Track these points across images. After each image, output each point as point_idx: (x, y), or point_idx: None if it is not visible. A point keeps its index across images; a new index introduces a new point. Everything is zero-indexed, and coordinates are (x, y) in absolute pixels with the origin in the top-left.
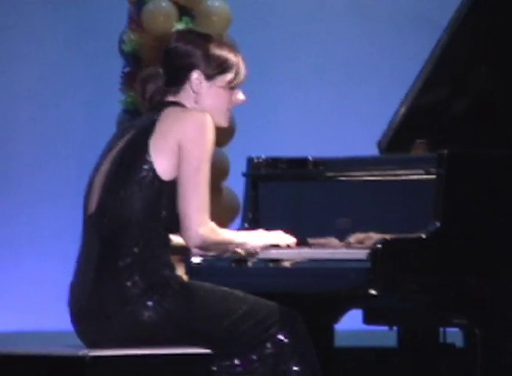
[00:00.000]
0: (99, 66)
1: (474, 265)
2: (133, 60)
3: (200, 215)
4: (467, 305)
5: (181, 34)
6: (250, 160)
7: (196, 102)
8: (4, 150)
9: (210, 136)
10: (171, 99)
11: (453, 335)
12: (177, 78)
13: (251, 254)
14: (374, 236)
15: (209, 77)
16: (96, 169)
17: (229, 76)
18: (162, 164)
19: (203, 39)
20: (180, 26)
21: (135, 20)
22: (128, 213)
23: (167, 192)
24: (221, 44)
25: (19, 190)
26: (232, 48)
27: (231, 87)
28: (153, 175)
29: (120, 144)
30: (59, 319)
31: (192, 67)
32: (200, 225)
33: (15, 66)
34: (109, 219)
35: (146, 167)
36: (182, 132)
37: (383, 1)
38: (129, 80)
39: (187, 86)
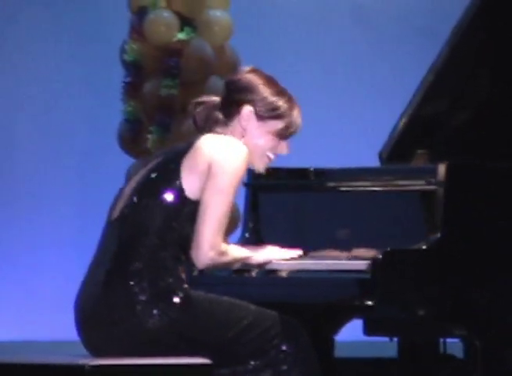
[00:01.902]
0: (100, 75)
1: (475, 276)
2: (134, 70)
3: (213, 237)
4: (467, 316)
5: (248, 70)
6: (251, 170)
7: (243, 137)
8: (5, 156)
9: (240, 163)
10: (219, 130)
11: (453, 346)
12: (230, 110)
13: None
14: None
15: (260, 117)
16: (128, 181)
17: (280, 124)
18: (191, 183)
19: (267, 80)
20: (181, 36)
21: (137, 30)
22: (147, 221)
23: (191, 210)
24: (283, 91)
25: (20, 199)
26: (292, 98)
27: (280, 136)
28: (179, 191)
29: (156, 160)
30: (59, 329)
31: (246, 103)
32: (211, 249)
33: (16, 75)
34: (128, 225)
35: (174, 183)
36: (214, 154)
37: (387, 13)
38: (130, 89)
39: (237, 120)
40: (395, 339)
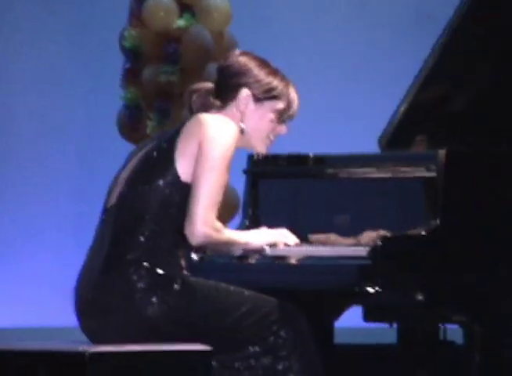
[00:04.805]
0: (100, 62)
1: (474, 262)
2: (134, 56)
3: (205, 213)
4: (467, 303)
5: (239, 53)
6: (250, 157)
7: (241, 121)
8: (3, 143)
9: (228, 138)
10: (213, 113)
11: (453, 332)
12: (225, 95)
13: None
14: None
15: (258, 99)
16: (123, 166)
17: (278, 104)
18: (185, 165)
19: (259, 62)
20: (181, 22)
21: (136, 16)
22: (143, 208)
23: (185, 193)
24: (276, 71)
25: (18, 185)
26: (285, 77)
27: (280, 119)
28: (174, 175)
29: (150, 145)
30: (58, 315)
31: (242, 86)
32: (204, 224)
33: (15, 63)
34: (125, 212)
35: (168, 167)
36: (203, 134)
37: None
38: (130, 76)
39: (233, 104)
40: (395, 325)
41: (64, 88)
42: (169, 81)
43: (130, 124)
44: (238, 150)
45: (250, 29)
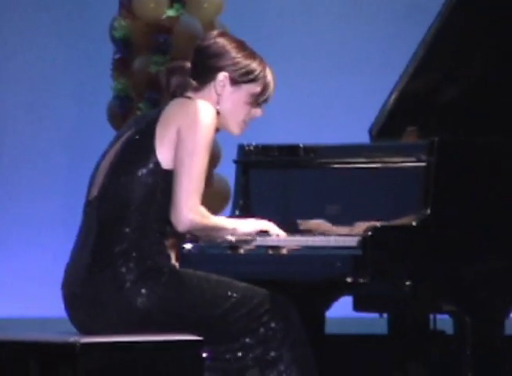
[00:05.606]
0: (90, 52)
1: (464, 252)
2: (124, 46)
3: (190, 199)
4: (457, 293)
5: (216, 34)
6: (241, 147)
7: (217, 104)
8: None
9: (207, 122)
10: (190, 95)
11: (443, 322)
12: (203, 76)
13: (244, 240)
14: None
15: (235, 82)
16: (103, 156)
17: (255, 87)
18: (165, 152)
19: (237, 44)
20: (171, 12)
21: (126, 6)
22: (126, 199)
23: (168, 181)
24: (254, 54)
25: (8, 178)
26: (263, 60)
27: (256, 102)
28: (155, 163)
29: (129, 132)
30: (49, 306)
31: (220, 69)
32: (189, 210)
33: (4, 53)
34: (108, 204)
35: (149, 155)
36: (181, 119)
37: None
38: (120, 66)
39: (211, 86)
40: (385, 315)
41: (54, 78)
42: (159, 72)
43: (120, 115)
44: (230, 140)
45: (241, 19)
